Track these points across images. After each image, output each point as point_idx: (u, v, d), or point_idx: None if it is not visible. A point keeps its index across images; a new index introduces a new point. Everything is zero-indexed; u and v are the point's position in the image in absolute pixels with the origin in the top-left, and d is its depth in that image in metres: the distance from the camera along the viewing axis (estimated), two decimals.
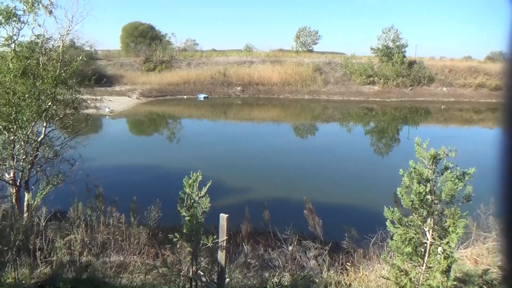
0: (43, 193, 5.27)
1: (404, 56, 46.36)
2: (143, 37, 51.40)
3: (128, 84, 41.96)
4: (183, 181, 4.04)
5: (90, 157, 17.18)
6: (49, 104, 5.41)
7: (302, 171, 16.75)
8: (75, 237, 4.24)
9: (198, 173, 4.05)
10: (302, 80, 44.40)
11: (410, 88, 44.68)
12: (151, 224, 5.64)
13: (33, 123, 5.30)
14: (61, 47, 5.63)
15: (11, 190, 5.42)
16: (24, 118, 5.02)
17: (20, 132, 5.13)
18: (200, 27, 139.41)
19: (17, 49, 5.39)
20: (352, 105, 39.91)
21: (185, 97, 40.12)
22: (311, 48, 60.69)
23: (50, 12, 5.75)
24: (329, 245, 5.87)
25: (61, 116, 5.93)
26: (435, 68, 47.01)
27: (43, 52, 5.45)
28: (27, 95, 4.94)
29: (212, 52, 59.24)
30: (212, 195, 13.13)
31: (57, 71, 5.44)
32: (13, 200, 5.38)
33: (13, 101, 4.87)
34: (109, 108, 30.43)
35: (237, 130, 27.72)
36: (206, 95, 40.06)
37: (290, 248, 5.72)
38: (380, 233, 5.78)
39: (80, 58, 5.77)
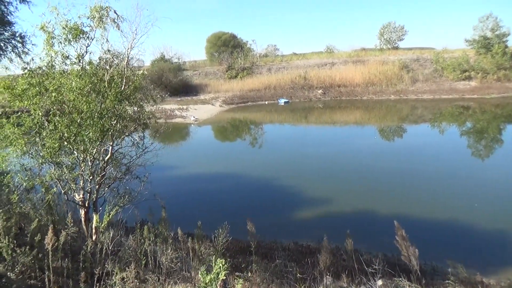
0: (110, 215, 5.13)
1: (506, 46, 40.97)
2: (225, 46, 53.01)
3: (212, 92, 43.41)
4: None
5: (173, 165, 17.86)
6: (114, 122, 5.26)
7: (390, 180, 15.28)
8: (127, 274, 3.93)
9: None
10: (387, 79, 41.76)
11: None
12: (219, 249, 5.13)
13: (97, 142, 5.17)
14: (125, 61, 5.46)
15: (81, 212, 5.38)
16: (86, 138, 4.90)
17: (85, 152, 5.04)
18: (281, 31, 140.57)
19: (87, 67, 5.34)
20: (444, 103, 36.26)
21: (266, 102, 40.18)
22: (396, 44, 57.09)
23: (118, 26, 5.63)
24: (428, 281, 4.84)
25: (128, 134, 5.77)
26: None
27: (108, 68, 5.31)
28: (88, 114, 4.81)
29: (292, 56, 58.85)
30: (290, 207, 12.46)
31: (121, 87, 5.27)
32: (82, 222, 5.32)
33: (77, 120, 4.78)
34: (194, 117, 31.61)
35: (318, 135, 26.73)
36: (287, 100, 39.65)
37: (379, 283, 4.82)
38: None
39: (141, 72, 5.54)
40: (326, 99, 40.73)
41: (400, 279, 4.82)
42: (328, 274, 5.36)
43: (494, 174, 15.91)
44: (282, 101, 39.33)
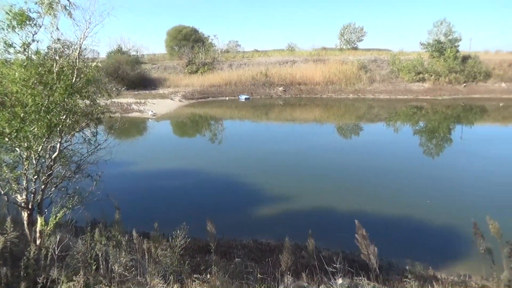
0: (57, 218, 4.75)
1: (458, 51, 43.34)
2: (186, 40, 51.96)
3: (171, 87, 42.46)
4: None
5: (129, 162, 17.22)
6: (63, 116, 4.86)
7: (348, 177, 15.61)
8: (75, 282, 3.63)
9: None
10: (346, 78, 42.80)
11: (464, 84, 41.64)
12: (176, 251, 4.91)
13: (43, 139, 4.75)
14: (77, 52, 5.06)
15: (24, 214, 4.94)
16: (30, 135, 4.49)
17: (29, 149, 4.61)
18: (243, 28, 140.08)
19: (33, 57, 4.90)
20: (399, 103, 37.75)
21: (226, 98, 39.89)
22: (355, 45, 58.66)
23: (70, 14, 5.21)
24: (387, 278, 4.90)
25: (78, 130, 5.36)
26: (492, 62, 43.54)
27: (57, 59, 4.89)
28: (33, 108, 4.40)
29: (254, 52, 58.82)
30: (250, 205, 12.35)
31: (72, 79, 4.88)
32: (25, 225, 4.89)
33: (20, 114, 4.36)
34: (152, 111, 30.74)
35: (279, 132, 26.85)
36: (248, 96, 39.58)
37: (339, 282, 4.82)
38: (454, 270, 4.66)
39: (95, 64, 5.17)
40: (286, 96, 41.07)
41: (360, 278, 4.84)
42: (289, 273, 5.30)
43: (444, 171, 16.70)
44: (243, 98, 39.20)
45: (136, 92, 39.69)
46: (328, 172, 16.35)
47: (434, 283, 5.91)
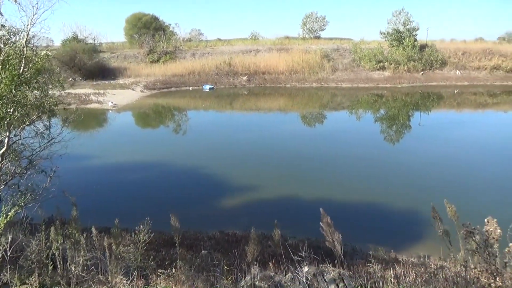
0: (8, 217, 4.44)
1: (415, 40, 44.77)
2: (146, 28, 50.36)
3: (132, 77, 41.16)
4: None
5: (88, 156, 16.58)
6: (11, 109, 4.53)
7: (312, 165, 15.83)
8: (30, 284, 3.42)
9: None
10: (310, 67, 43.18)
11: (422, 72, 43.18)
12: (139, 247, 4.75)
13: None
14: (25, 40, 4.71)
15: None
16: None
17: None
18: (205, 16, 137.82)
19: None
20: (361, 92, 38.64)
21: (190, 88, 39.22)
22: (318, 34, 59.21)
23: None
24: (351, 263, 5.01)
25: (29, 123, 5.01)
26: (447, 51, 45.36)
27: (1, 46, 4.53)
28: None
29: (217, 41, 58.06)
30: (216, 196, 12.27)
31: (20, 69, 4.54)
32: None
33: None
34: (112, 102, 29.72)
35: (244, 121, 26.80)
36: (212, 86, 39.11)
37: (305, 269, 4.86)
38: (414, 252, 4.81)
39: (45, 53, 4.84)
40: (251, 85, 40.96)
41: (325, 265, 4.90)
42: (256, 263, 5.29)
43: (404, 157, 17.32)
44: (206, 87, 38.70)
45: (94, 83, 38.17)
46: (293, 160, 16.49)
47: (396, 265, 6.11)
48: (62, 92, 5.82)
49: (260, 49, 47.31)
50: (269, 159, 16.73)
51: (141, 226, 5.34)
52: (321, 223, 4.66)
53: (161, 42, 45.93)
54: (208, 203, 12.10)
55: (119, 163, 16.16)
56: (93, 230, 4.60)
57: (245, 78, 41.73)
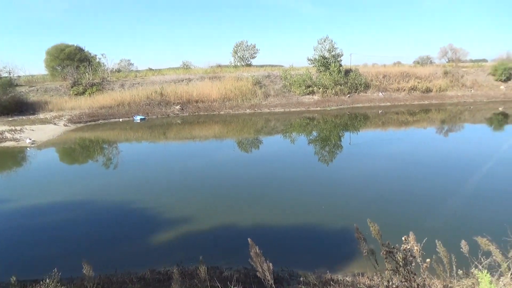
0: None
1: (341, 65, 47.50)
2: (70, 59, 47.82)
3: (54, 111, 38.46)
4: None
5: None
6: None
7: (246, 192, 15.46)
8: None
9: None
10: (242, 94, 43.64)
11: (348, 95, 45.57)
12: None
13: None
14: None
15: None
16: None
17: None
18: (135, 46, 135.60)
19: None
20: (294, 115, 39.67)
21: (120, 120, 37.48)
22: (249, 62, 60.49)
23: None
24: None
25: None
26: (369, 74, 48.62)
27: None
28: None
29: (147, 71, 56.82)
30: (148, 231, 11.30)
31: None
32: None
33: None
34: (30, 139, 27.23)
35: (178, 151, 25.86)
36: (143, 117, 37.75)
37: None
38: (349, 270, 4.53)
39: None
40: (184, 114, 40.22)
41: None
42: None
43: (337, 176, 17.62)
44: (138, 118, 37.26)
45: (10, 119, 34.96)
46: (229, 188, 16.02)
47: (330, 285, 5.94)
48: None
49: (192, 78, 47.01)
50: (205, 188, 16.07)
51: (48, 280, 4.47)
52: (251, 254, 4.32)
53: (87, 74, 43.79)
54: (138, 240, 11.09)
55: (36, 204, 14.48)
56: None
57: (178, 107, 40.93)
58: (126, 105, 40.24)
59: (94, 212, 13.73)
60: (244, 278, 7.67)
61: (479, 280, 3.78)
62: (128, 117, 38.04)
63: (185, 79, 46.36)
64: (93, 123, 35.94)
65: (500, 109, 41.73)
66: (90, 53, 50.53)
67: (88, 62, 46.27)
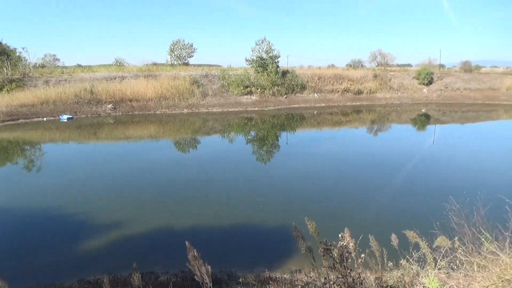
0: None
1: (278, 66, 48.28)
2: None
3: None
4: None
5: None
6: None
7: (183, 193, 14.96)
8: None
9: None
10: (180, 94, 42.56)
11: (285, 96, 46.45)
12: None
13: None
14: None
15: None
16: None
17: None
18: (62, 41, 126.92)
19: None
20: (232, 116, 39.55)
21: (44, 119, 34.60)
22: (186, 61, 59.23)
23: None
24: None
25: None
26: (305, 76, 50.03)
27: None
28: None
29: (76, 68, 53.25)
30: (76, 238, 10.35)
31: None
32: None
33: None
34: None
35: (110, 151, 24.38)
36: (70, 116, 35.23)
37: None
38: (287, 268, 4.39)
39: None
40: (117, 114, 38.23)
41: None
42: None
43: (276, 175, 17.70)
44: (64, 117, 34.69)
45: None
46: (163, 189, 15.40)
47: (268, 286, 6.02)
48: None
49: (126, 75, 44.86)
50: (139, 190, 15.24)
51: None
52: (188, 257, 4.09)
53: (5, 69, 39.82)
54: (65, 248, 10.13)
55: None
56: None
57: (110, 106, 38.79)
58: (51, 103, 37.23)
59: (12, 219, 12.37)
60: (181, 282, 7.30)
61: (427, 285, 4.03)
62: (54, 116, 35.29)
63: (118, 77, 44.10)
64: (12, 122, 32.77)
65: (423, 110, 45.22)
66: (8, 46, 46.03)
67: (6, 56, 42.10)
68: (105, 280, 3.89)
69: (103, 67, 52.46)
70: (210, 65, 58.96)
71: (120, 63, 57.26)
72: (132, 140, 27.99)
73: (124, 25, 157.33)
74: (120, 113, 38.42)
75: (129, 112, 38.93)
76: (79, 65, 56.98)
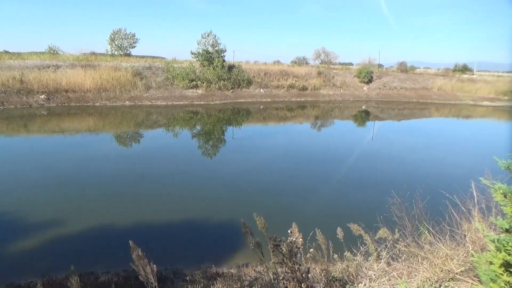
0: None
1: (224, 61, 47.71)
2: None
3: None
4: None
5: None
6: None
7: (126, 189, 14.16)
8: None
9: None
10: (121, 85, 40.59)
11: (232, 90, 46.10)
12: None
13: None
14: None
15: None
16: None
17: None
18: None
19: None
20: (177, 109, 38.51)
21: None
22: (128, 52, 56.63)
23: None
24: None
25: None
26: (252, 71, 49.98)
27: None
28: None
29: (3, 54, 48.69)
30: (2, 240, 9.28)
31: None
32: None
33: None
34: None
35: (43, 145, 22.54)
36: None
37: None
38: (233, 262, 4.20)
39: None
40: (51, 105, 35.59)
41: None
42: None
43: (222, 170, 17.40)
44: None
45: None
46: (103, 185, 14.49)
47: (216, 280, 6.01)
48: None
49: (61, 64, 41.85)
50: (76, 187, 14.18)
51: None
52: (133, 257, 3.75)
53: None
54: None
55: None
56: None
57: (43, 96, 36.00)
58: None
59: None
60: (124, 281, 6.84)
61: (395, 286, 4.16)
62: None
63: (52, 66, 41.04)
64: None
65: (363, 107, 47.23)
66: None
67: None
68: (38, 283, 3.43)
69: (35, 54, 48.50)
70: (154, 57, 56.85)
71: (54, 51, 53.35)
72: (68, 133, 26.17)
73: (58, 9, 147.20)
74: (55, 104, 35.81)
75: (64, 103, 36.41)
76: (6, 52, 52.11)
